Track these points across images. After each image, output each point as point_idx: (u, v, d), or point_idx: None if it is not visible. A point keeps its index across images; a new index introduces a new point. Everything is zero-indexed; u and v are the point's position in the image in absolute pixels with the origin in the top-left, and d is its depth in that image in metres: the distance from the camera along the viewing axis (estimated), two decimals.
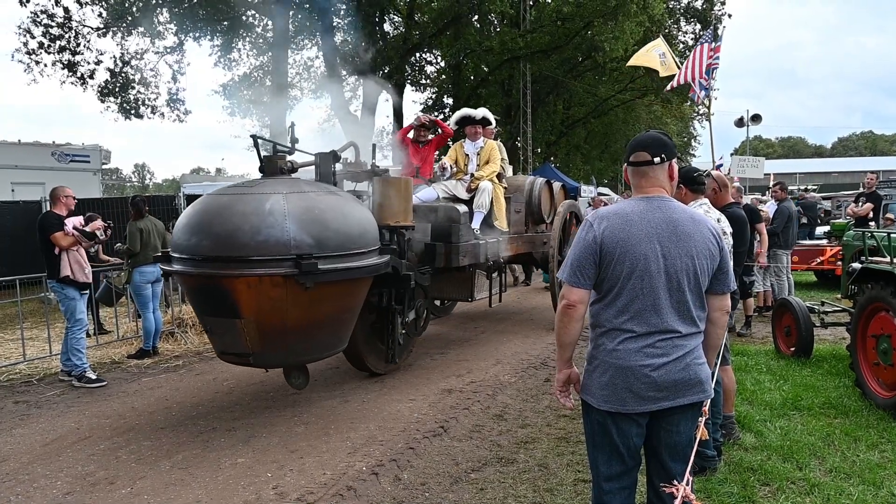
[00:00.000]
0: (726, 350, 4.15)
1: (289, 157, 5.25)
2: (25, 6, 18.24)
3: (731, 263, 2.97)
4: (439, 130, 8.00)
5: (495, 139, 8.53)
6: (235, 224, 4.29)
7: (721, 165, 13.10)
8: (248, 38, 23.03)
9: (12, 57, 18.89)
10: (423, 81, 30.09)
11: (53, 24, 18.81)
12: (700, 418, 2.38)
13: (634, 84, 28.03)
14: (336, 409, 5.32)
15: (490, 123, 8.13)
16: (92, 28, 19.53)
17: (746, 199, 10.00)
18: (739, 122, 27.86)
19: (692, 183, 3.90)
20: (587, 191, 27.80)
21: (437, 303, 9.37)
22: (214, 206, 4.50)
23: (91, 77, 19.72)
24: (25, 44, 18.71)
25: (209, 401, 5.64)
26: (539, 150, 30.54)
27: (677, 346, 2.32)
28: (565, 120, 33.22)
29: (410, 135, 8.06)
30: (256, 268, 4.24)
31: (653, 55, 11.30)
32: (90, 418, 5.15)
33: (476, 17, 24.73)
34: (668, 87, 12.21)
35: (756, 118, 28.06)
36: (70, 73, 19.32)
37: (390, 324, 6.05)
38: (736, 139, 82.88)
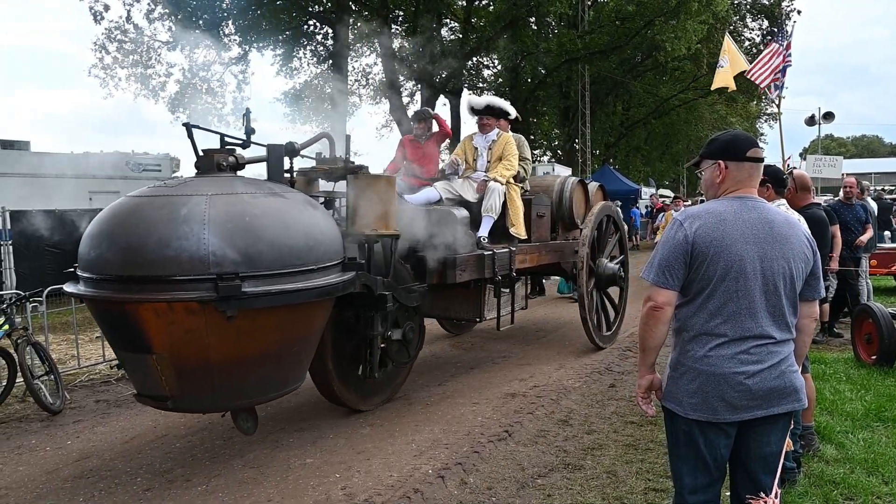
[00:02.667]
0: (805, 358, 3.98)
1: (241, 151, 4.27)
2: (100, 24, 19.20)
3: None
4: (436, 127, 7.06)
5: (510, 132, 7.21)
6: (141, 234, 3.38)
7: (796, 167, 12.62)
8: (308, 47, 23.59)
9: (89, 72, 19.91)
10: (480, 85, 30.14)
11: (126, 39, 19.72)
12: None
13: (697, 83, 27.31)
14: (400, 412, 5.36)
15: (505, 114, 6.92)
16: (162, 42, 20.38)
17: (818, 200, 9.61)
18: (810, 121, 26.83)
19: (780, 184, 3.75)
20: (646, 193, 27.25)
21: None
22: (122, 210, 3.60)
23: (162, 89, 20.58)
24: (101, 59, 19.68)
25: (277, 402, 5.76)
26: (598, 151, 30.12)
27: (772, 352, 2.23)
28: (625, 121, 32.69)
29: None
30: (164, 291, 3.33)
31: (726, 74, 10.90)
32: (166, 417, 5.34)
33: (533, 19, 24.60)
34: (726, 88, 11.73)
35: (829, 116, 26.98)
36: (143, 87, 20.20)
37: (368, 352, 4.98)
38: (805, 138, 79.67)
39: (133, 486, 3.98)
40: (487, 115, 6.73)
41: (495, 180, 6.32)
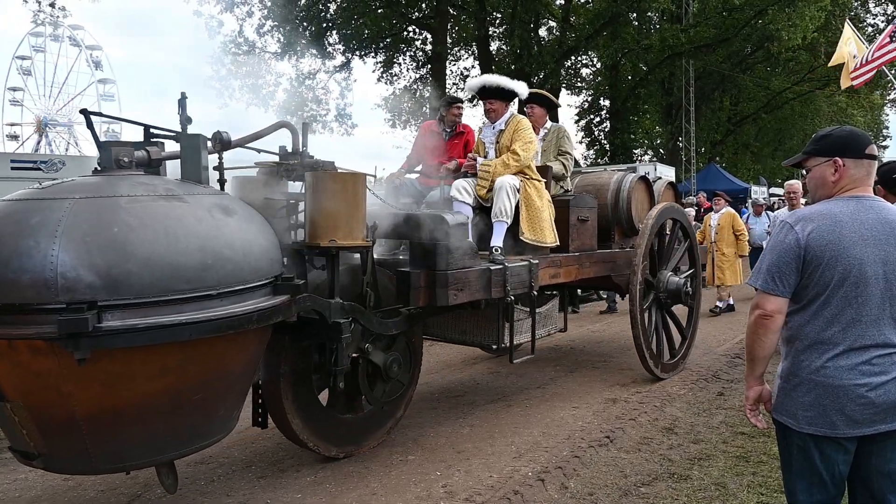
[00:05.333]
0: None
1: (156, 147, 3.34)
2: (213, 38, 20.51)
3: None
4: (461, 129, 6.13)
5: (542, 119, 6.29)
6: None
7: None
8: (408, 53, 24.12)
9: (205, 84, 21.29)
10: (579, 84, 29.68)
11: (240, 52, 20.95)
12: None
13: (814, 74, 25.63)
14: (499, 413, 5.38)
15: (512, 94, 5.41)
16: (271, 53, 21.49)
17: None
18: None
19: (891, 185, 3.48)
20: (757, 192, 25.83)
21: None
22: None
23: (272, 98, 21.70)
24: (217, 71, 20.99)
25: None
26: (703, 149, 28.89)
27: None
28: (732, 117, 31.18)
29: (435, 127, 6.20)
30: (3, 325, 2.58)
31: (844, 52, 10.22)
32: None
33: (634, 15, 23.96)
34: (857, 82, 10.94)
35: None
36: (254, 96, 21.38)
37: (331, 392, 4.16)
38: None
39: (248, 473, 4.23)
40: (490, 99, 5.39)
41: (486, 170, 5.11)
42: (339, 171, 3.92)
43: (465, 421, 5.21)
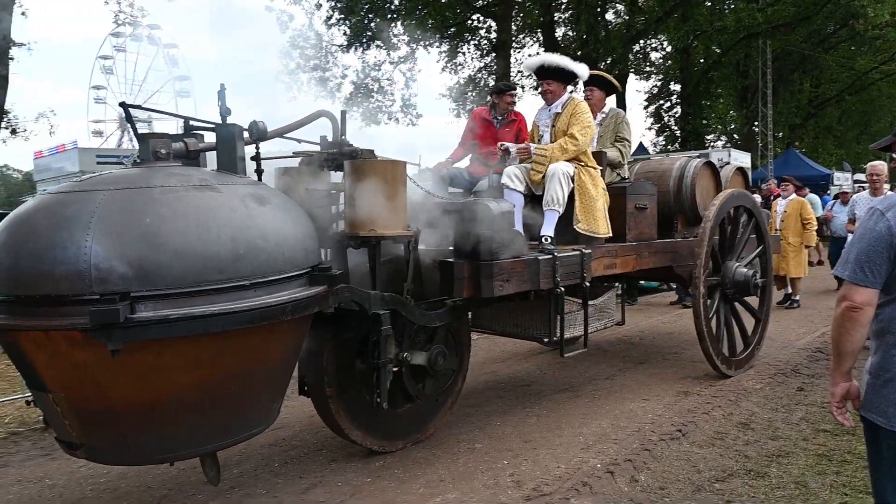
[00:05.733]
0: None
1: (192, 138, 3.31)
2: (284, 32, 20.97)
3: None
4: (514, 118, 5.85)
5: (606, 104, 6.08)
6: (22, 243, 2.72)
7: None
8: (472, 41, 24.02)
9: (275, 78, 21.82)
10: (648, 69, 28.87)
11: (308, 45, 21.36)
12: None
13: None
14: (566, 404, 5.32)
15: (572, 75, 5.21)
16: (338, 46, 21.83)
17: None
18: None
19: None
20: (840, 178, 24.53)
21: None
22: (18, 215, 2.88)
23: (338, 90, 22.06)
24: (286, 65, 21.48)
25: None
26: (780, 134, 27.64)
27: None
28: (813, 99, 29.71)
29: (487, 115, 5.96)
30: (39, 316, 2.64)
31: None
32: None
33: None
34: None
35: None
36: (322, 89, 21.78)
37: (376, 384, 3.84)
38: None
39: (319, 456, 4.34)
40: (547, 80, 5.19)
41: (543, 153, 4.89)
42: (379, 158, 3.81)
43: (531, 410, 5.17)
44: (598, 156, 5.38)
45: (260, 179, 3.41)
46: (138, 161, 3.13)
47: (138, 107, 3.52)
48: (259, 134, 3.43)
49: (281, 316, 2.92)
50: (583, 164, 5.01)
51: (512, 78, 22.55)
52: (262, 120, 3.42)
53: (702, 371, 6.17)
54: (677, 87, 28.28)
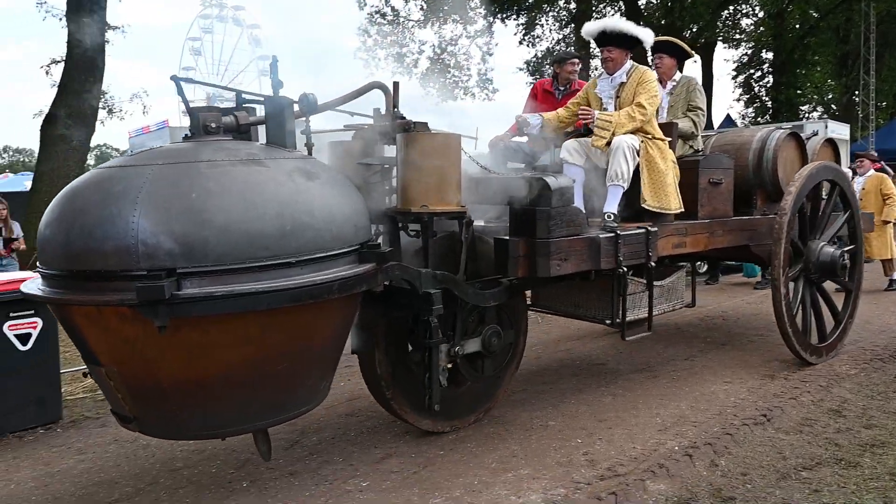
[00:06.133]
0: None
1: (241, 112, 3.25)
2: (363, 9, 21.13)
3: None
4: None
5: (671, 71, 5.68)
6: (74, 218, 2.73)
7: None
8: (550, 13, 23.48)
9: (354, 55, 22.08)
10: (737, 37, 27.39)
11: (385, 21, 21.47)
12: None
13: None
14: (644, 384, 5.20)
15: (636, 41, 4.85)
16: (414, 21, 21.83)
17: None
18: None
19: None
20: None
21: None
22: (70, 189, 2.88)
23: (415, 66, 22.12)
24: (364, 42, 21.70)
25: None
26: (884, 104, 25.75)
27: None
28: None
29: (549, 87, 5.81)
30: (90, 291, 2.66)
31: None
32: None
33: None
34: None
35: None
36: (399, 65, 21.90)
37: (426, 365, 3.79)
38: None
39: (394, 427, 4.42)
40: (609, 46, 4.83)
41: (608, 119, 4.53)
42: (433, 132, 3.64)
43: (607, 390, 5.09)
44: (668, 127, 5.06)
45: (310, 154, 3.34)
46: (189, 135, 3.11)
47: (189, 80, 3.44)
48: (309, 107, 3.31)
49: (328, 294, 2.86)
50: (650, 136, 4.67)
51: (592, 50, 21.95)
52: (311, 92, 3.29)
53: (789, 354, 5.87)
54: (769, 56, 26.76)
